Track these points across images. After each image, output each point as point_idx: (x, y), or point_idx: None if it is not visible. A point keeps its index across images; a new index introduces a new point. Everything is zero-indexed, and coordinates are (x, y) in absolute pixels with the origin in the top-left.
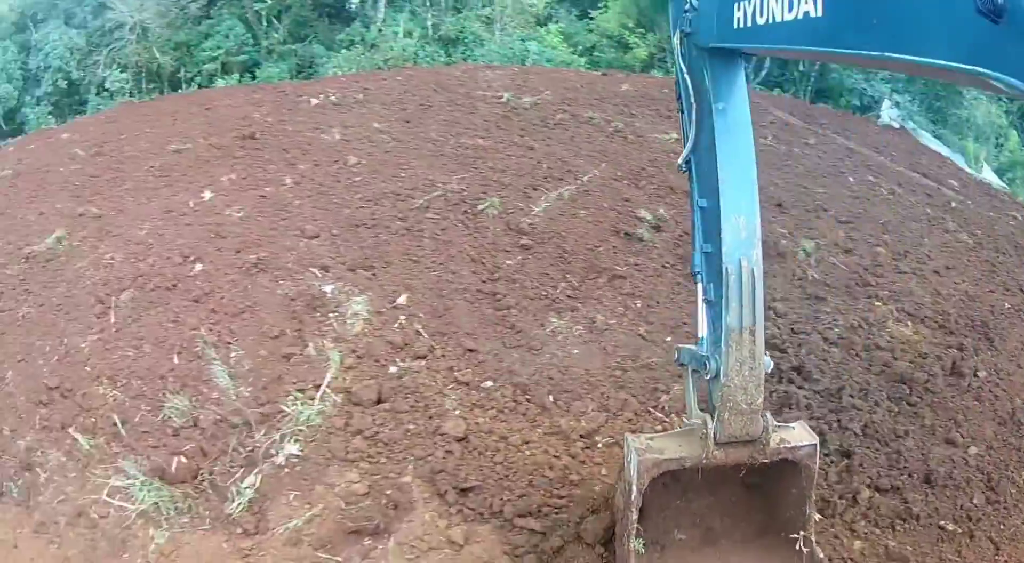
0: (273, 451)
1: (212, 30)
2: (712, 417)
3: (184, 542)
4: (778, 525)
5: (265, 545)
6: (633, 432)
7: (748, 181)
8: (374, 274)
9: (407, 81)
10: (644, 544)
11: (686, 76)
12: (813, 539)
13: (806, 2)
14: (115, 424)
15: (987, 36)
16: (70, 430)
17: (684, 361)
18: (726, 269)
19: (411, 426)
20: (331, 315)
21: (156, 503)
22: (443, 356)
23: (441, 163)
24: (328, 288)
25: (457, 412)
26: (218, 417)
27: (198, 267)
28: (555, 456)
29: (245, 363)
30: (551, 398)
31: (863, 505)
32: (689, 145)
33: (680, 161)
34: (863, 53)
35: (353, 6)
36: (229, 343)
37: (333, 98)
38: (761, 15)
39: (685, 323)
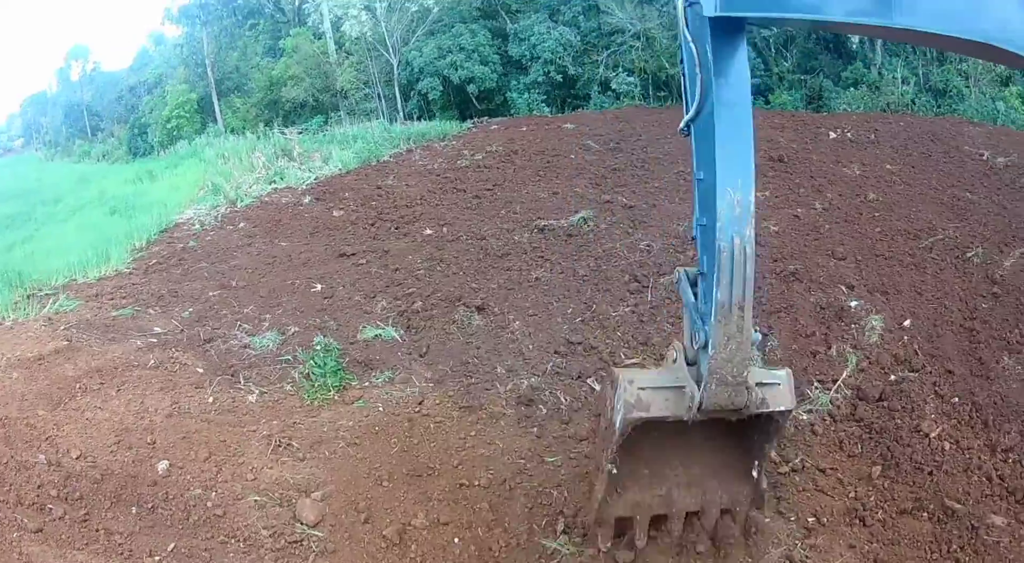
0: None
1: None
2: (699, 386)
3: None
4: (738, 455)
5: None
6: (622, 366)
7: (745, 158)
8: (887, 298)
9: (908, 128)
10: (615, 467)
11: (691, 44)
12: (764, 471)
13: None
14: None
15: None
16: (588, 380)
17: (680, 289)
18: (719, 246)
19: (898, 421)
20: (852, 326)
21: None
22: (930, 373)
23: (940, 210)
24: (853, 303)
25: (932, 417)
26: None
27: None
28: (981, 459)
29: (778, 353)
30: (991, 417)
31: None
32: (690, 114)
33: (681, 126)
34: (866, 21)
35: (854, 45)
36: (766, 334)
37: (849, 135)
38: None
39: None
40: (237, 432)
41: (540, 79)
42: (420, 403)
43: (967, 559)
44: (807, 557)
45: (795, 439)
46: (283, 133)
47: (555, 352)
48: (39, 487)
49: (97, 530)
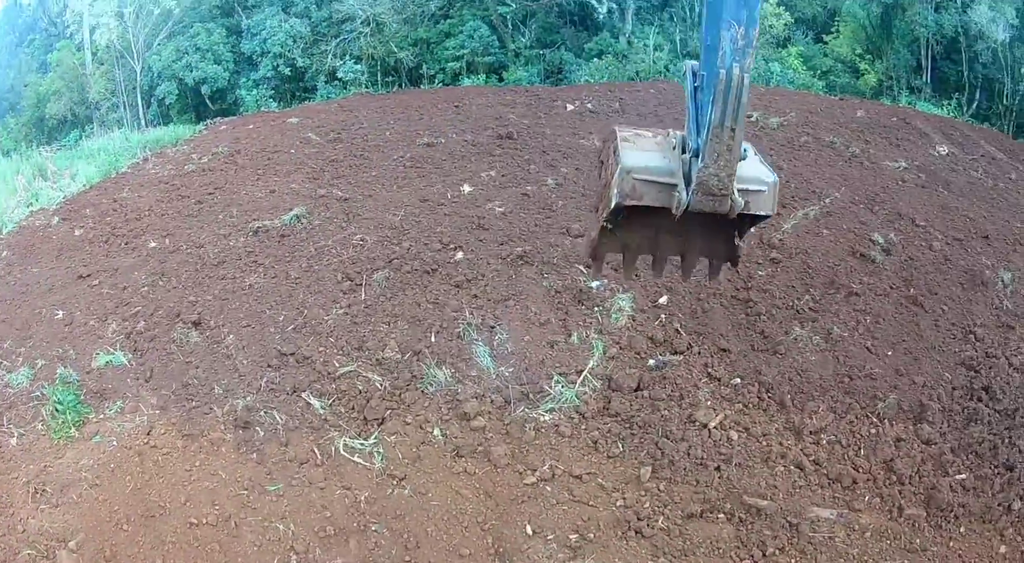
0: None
1: (454, 30)
2: (687, 190)
3: None
4: (720, 222)
5: None
6: (624, 137)
7: None
8: (637, 275)
9: (660, 94)
10: (609, 224)
11: None
12: (743, 238)
13: None
14: (360, 392)
15: None
16: (303, 394)
17: (685, 81)
18: (719, 72)
19: (665, 413)
20: (596, 308)
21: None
22: (698, 353)
23: None
24: (594, 285)
25: (708, 403)
26: (477, 392)
27: (459, 255)
28: (784, 445)
29: (508, 347)
30: (789, 396)
31: (1014, 515)
32: None
33: None
34: None
35: (601, 16)
36: (492, 327)
37: (590, 105)
38: None
39: (904, 340)
40: (3, 480)
41: (269, 74)
42: (148, 434)
43: (791, 562)
44: None
45: (537, 443)
46: (41, 152)
47: (268, 366)
48: None
49: None
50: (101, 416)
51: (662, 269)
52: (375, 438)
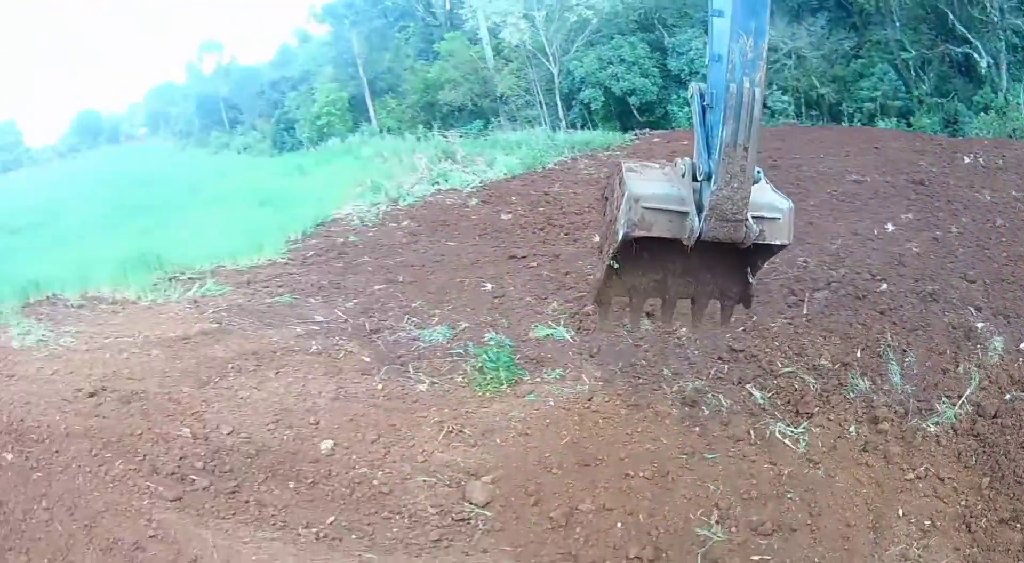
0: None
1: (866, 70)
2: (700, 214)
3: None
4: (733, 258)
5: None
6: (630, 167)
7: (761, 5)
8: (1008, 321)
9: None
10: (616, 262)
11: None
12: (755, 277)
13: None
14: (796, 390)
15: None
16: (747, 386)
17: (692, 105)
18: (729, 86)
19: (1008, 437)
20: (978, 346)
21: None
22: None
23: None
24: (980, 325)
25: None
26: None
27: (883, 286)
28: None
29: (915, 367)
30: None
31: None
32: None
33: None
34: None
35: (983, 69)
36: (904, 351)
37: (980, 160)
38: None
39: None
40: (407, 418)
41: None
42: (589, 400)
43: None
44: (920, 556)
45: (922, 449)
46: (444, 136)
47: (719, 358)
48: (180, 458)
49: (247, 501)
50: (538, 379)
51: (671, 315)
52: (803, 428)
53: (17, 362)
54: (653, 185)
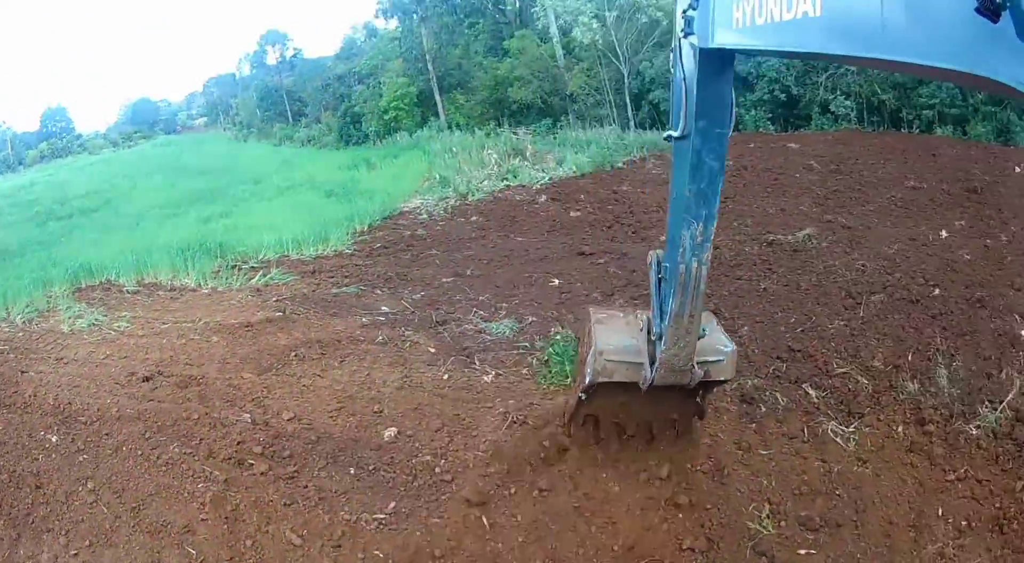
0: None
1: (927, 78)
2: (652, 366)
3: None
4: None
5: None
6: (598, 319)
7: (712, 195)
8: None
9: None
10: (585, 396)
11: (683, 80)
12: (706, 399)
13: (804, 2)
14: (849, 390)
15: (986, 36)
16: (803, 385)
17: (651, 272)
18: (679, 266)
19: None
20: (1021, 353)
21: None
22: None
23: None
24: (1023, 332)
25: None
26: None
27: (936, 291)
28: None
29: (961, 372)
30: None
31: None
32: (677, 132)
33: (664, 135)
34: (861, 55)
35: None
36: (952, 355)
37: None
38: (760, 15)
39: None
40: (472, 407)
41: (765, 97)
42: None
43: None
44: (955, 555)
45: (963, 451)
46: (514, 133)
47: (777, 357)
48: (239, 443)
49: (306, 487)
50: None
51: (635, 445)
52: (854, 427)
53: (66, 345)
54: (615, 337)
